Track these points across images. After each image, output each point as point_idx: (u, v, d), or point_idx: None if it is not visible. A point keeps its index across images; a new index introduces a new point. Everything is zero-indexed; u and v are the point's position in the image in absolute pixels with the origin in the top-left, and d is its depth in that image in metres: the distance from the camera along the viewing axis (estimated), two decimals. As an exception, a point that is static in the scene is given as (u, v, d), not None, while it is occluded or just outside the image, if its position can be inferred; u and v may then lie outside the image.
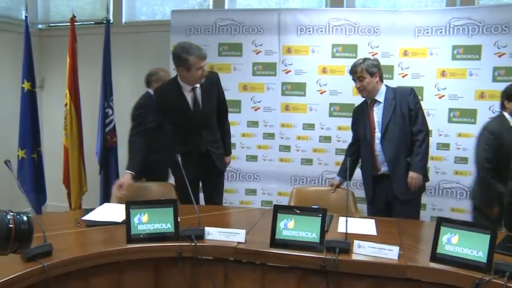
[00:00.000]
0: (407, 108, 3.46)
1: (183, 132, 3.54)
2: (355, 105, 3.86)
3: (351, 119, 4.37)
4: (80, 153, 5.07)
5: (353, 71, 3.57)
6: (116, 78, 5.16)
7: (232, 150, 4.07)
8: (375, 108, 3.57)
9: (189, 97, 3.46)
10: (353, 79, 3.59)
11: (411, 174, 3.42)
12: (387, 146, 3.47)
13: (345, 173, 3.25)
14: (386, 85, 3.59)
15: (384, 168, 3.54)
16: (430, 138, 3.59)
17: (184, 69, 3.32)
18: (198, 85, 3.45)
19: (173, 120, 3.56)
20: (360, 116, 3.70)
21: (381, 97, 3.56)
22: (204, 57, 3.35)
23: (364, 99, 3.67)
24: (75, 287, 2.36)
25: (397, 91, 3.57)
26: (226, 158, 3.84)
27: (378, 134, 3.53)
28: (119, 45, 5.31)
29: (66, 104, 4.98)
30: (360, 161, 3.75)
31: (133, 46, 5.50)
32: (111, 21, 5.23)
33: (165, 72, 4.27)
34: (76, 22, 5.08)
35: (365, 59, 3.57)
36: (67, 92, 4.96)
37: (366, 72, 3.49)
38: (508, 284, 2.05)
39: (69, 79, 4.95)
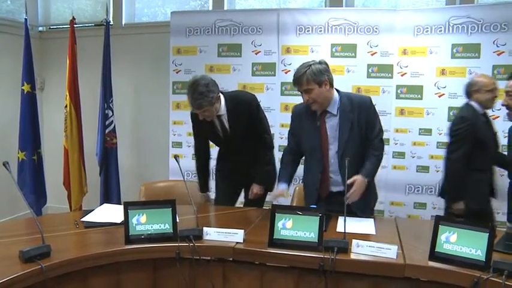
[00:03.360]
0: (365, 123, 3.03)
1: (221, 151, 3.67)
2: (298, 104, 3.26)
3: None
4: (80, 155, 5.08)
5: (297, 83, 2.96)
6: (116, 80, 5.16)
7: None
8: (326, 120, 3.06)
9: (216, 122, 3.38)
10: (299, 90, 3.01)
11: (358, 178, 2.95)
12: (347, 167, 2.67)
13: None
14: (338, 91, 3.08)
15: (336, 188, 3.11)
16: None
17: None
18: (222, 111, 3.31)
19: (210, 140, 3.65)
20: (305, 122, 3.14)
21: (334, 108, 3.03)
22: (195, 107, 3.18)
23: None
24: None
25: (354, 101, 3.04)
26: (255, 186, 3.57)
27: (332, 152, 3.06)
28: (119, 47, 5.31)
29: (66, 106, 5.00)
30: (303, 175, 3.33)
31: (133, 47, 5.51)
32: (111, 23, 5.24)
33: (486, 79, 3.53)
34: (76, 24, 5.09)
35: (309, 65, 2.93)
36: (67, 93, 4.97)
37: (313, 83, 2.90)
38: (506, 282, 2.05)
39: (69, 81, 4.96)
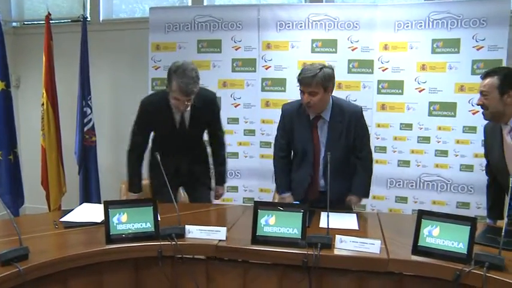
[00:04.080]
0: (353, 133, 3.07)
1: (164, 146, 3.31)
2: (287, 103, 3.35)
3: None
4: (58, 154, 4.99)
5: (305, 83, 2.90)
6: (94, 77, 5.08)
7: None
8: (319, 125, 3.08)
9: (177, 116, 3.23)
10: (301, 90, 2.97)
11: (353, 197, 3.16)
12: (331, 175, 2.65)
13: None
14: (332, 97, 3.08)
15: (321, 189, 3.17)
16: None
17: (167, 88, 3.08)
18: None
19: (157, 133, 3.42)
20: (297, 124, 3.14)
21: (327, 114, 3.05)
22: (184, 93, 2.98)
23: (298, 98, 3.10)
24: (54, 290, 2.32)
25: (346, 111, 3.05)
26: (219, 188, 3.66)
27: (322, 157, 3.12)
28: (97, 44, 5.23)
29: (42, 104, 4.90)
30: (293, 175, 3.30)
31: (111, 44, 5.43)
32: (88, 19, 5.15)
33: None
34: (52, 20, 4.99)
35: (321, 68, 2.90)
36: (44, 91, 4.87)
37: (321, 87, 2.89)
38: (487, 274, 2.07)
39: (45, 78, 4.86)
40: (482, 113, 2.84)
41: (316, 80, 2.85)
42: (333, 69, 2.98)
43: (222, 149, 3.63)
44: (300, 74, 2.95)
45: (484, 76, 2.80)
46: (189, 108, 3.18)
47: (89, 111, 5.00)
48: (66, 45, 5.30)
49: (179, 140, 3.31)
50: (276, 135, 3.33)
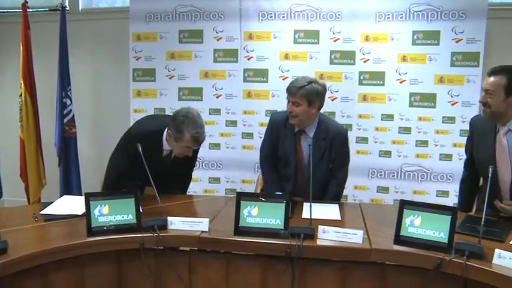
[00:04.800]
0: (334, 153, 3.15)
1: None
2: (276, 113, 3.50)
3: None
4: (37, 145, 4.91)
5: (291, 92, 3.02)
6: (74, 67, 5.00)
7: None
8: (302, 139, 3.17)
9: (165, 158, 3.14)
10: (287, 98, 3.08)
11: None
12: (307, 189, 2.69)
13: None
14: (320, 115, 3.20)
15: None
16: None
17: (173, 136, 2.92)
18: None
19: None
20: (282, 134, 3.22)
21: (311, 131, 3.14)
22: (198, 143, 2.97)
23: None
24: (33, 284, 2.29)
25: (330, 130, 3.14)
26: None
27: (303, 171, 3.19)
28: (76, 33, 5.14)
29: (20, 95, 4.81)
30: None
31: (91, 34, 5.33)
32: (67, 8, 5.05)
33: None
34: (29, 8, 4.88)
35: (311, 82, 3.02)
36: (21, 82, 4.78)
37: (305, 99, 2.99)
38: (467, 263, 2.11)
39: (23, 69, 4.77)
40: (483, 110, 2.76)
41: (302, 92, 2.96)
42: (324, 87, 3.08)
43: (192, 171, 3.58)
44: (288, 85, 3.06)
45: (491, 73, 2.72)
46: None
47: (68, 102, 4.92)
48: (45, 34, 5.20)
49: (158, 174, 2.93)
50: (263, 140, 3.40)
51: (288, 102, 3.07)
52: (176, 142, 2.94)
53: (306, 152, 3.14)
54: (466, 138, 3.16)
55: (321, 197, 3.19)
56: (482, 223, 2.24)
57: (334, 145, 3.13)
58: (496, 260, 2.11)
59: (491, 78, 2.69)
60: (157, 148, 3.08)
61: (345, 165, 3.26)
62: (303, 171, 3.18)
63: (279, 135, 3.23)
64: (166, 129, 3.01)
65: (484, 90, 2.73)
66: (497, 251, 2.12)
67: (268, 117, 3.45)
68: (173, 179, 3.36)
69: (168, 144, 3.05)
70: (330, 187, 3.23)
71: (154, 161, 2.91)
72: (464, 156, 3.16)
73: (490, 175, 2.46)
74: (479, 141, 2.90)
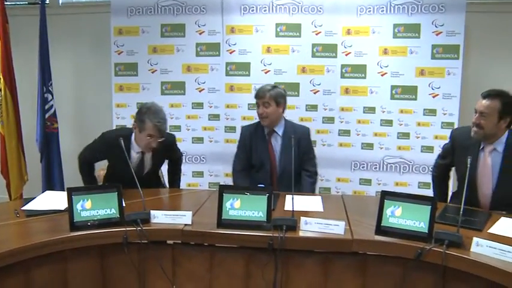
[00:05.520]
0: (302, 149, 3.49)
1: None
2: (245, 125, 3.74)
3: (295, 97, 4.43)
4: (18, 141, 4.84)
5: (260, 96, 3.46)
6: (55, 62, 4.94)
7: (177, 133, 4.05)
8: (272, 139, 3.54)
9: (134, 159, 3.25)
10: (257, 103, 3.48)
11: None
12: (284, 186, 3.38)
13: None
14: (284, 118, 3.58)
15: None
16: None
17: (138, 128, 3.11)
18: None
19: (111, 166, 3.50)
20: (255, 141, 3.57)
21: (280, 130, 3.53)
22: (159, 131, 3.09)
23: (257, 120, 3.59)
24: (15, 280, 2.28)
25: (296, 128, 3.55)
26: None
27: (277, 168, 3.53)
28: (57, 28, 5.08)
29: (0, 90, 4.74)
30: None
31: (72, 28, 5.28)
32: (46, 2, 4.98)
33: None
34: (7, 2, 4.80)
35: (274, 87, 3.50)
36: (1, 76, 4.70)
37: (273, 101, 3.43)
38: (446, 251, 2.15)
39: (2, 64, 4.68)
40: (475, 131, 2.87)
41: (270, 94, 3.42)
42: (285, 91, 3.60)
43: (180, 165, 3.77)
44: (256, 91, 3.52)
45: (486, 96, 2.85)
46: (149, 156, 3.33)
47: (50, 97, 4.86)
48: (24, 29, 5.13)
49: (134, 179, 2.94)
50: (236, 153, 3.69)
51: (258, 106, 3.47)
52: (140, 133, 3.11)
53: (277, 150, 3.53)
54: (447, 130, 3.57)
55: (296, 188, 3.28)
56: (461, 213, 2.28)
57: (301, 141, 3.47)
58: (474, 248, 2.16)
59: (487, 102, 2.82)
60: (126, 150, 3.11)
61: (313, 158, 3.62)
62: (276, 166, 3.53)
63: (251, 142, 3.58)
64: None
65: (478, 112, 2.85)
66: (475, 239, 2.17)
67: (251, 111, 3.76)
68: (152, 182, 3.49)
69: (135, 141, 3.21)
70: (304, 181, 3.53)
71: (124, 165, 2.94)
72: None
73: (468, 166, 2.56)
74: (461, 155, 2.99)
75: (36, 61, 4.83)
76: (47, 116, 4.84)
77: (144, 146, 3.17)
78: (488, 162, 2.95)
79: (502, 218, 2.68)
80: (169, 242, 2.56)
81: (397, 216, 2.35)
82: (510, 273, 1.96)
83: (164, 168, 3.76)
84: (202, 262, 2.52)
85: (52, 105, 4.88)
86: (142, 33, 4.67)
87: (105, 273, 2.56)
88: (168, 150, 3.46)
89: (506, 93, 2.85)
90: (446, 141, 3.28)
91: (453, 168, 3.25)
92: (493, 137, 2.90)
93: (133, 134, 3.22)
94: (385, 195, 2.39)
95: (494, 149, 2.92)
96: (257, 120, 3.61)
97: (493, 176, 2.94)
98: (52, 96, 4.87)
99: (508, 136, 2.90)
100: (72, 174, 4.96)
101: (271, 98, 3.42)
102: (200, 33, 4.60)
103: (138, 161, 3.28)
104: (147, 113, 3.08)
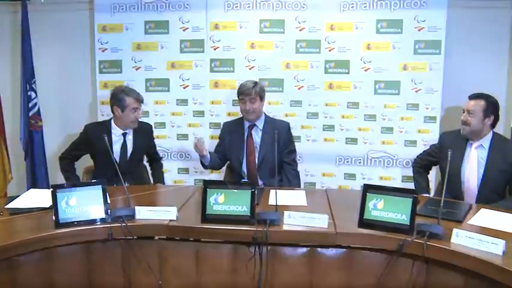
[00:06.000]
0: (282, 142, 3.62)
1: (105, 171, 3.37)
2: (227, 121, 4.04)
3: (279, 93, 4.45)
4: (1, 140, 4.81)
5: (246, 93, 3.64)
6: (38, 60, 4.90)
7: (162, 130, 4.06)
8: (253, 132, 3.74)
9: (117, 144, 3.61)
10: (241, 99, 3.68)
11: None
12: (263, 175, 3.67)
13: None
14: (264, 113, 3.83)
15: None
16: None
17: (119, 109, 3.53)
18: (130, 131, 3.66)
19: (95, 159, 3.74)
20: (234, 134, 3.80)
21: (261, 124, 3.75)
22: (140, 100, 3.59)
23: (238, 117, 3.89)
24: (0, 278, 2.28)
25: (276, 124, 3.73)
26: None
27: (256, 159, 3.71)
28: (39, 25, 5.02)
29: (-18, 88, 4.71)
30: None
31: (55, 25, 5.21)
32: (28, -1, 4.94)
33: None
34: (-13, -1, 4.77)
35: (256, 83, 3.71)
36: (-18, 74, 4.67)
37: (258, 95, 3.65)
38: (427, 243, 2.19)
39: (-17, 61, 4.66)
40: (463, 128, 3.21)
41: (255, 90, 3.63)
42: (264, 87, 3.86)
43: (160, 161, 4.10)
44: (239, 88, 3.71)
45: (472, 98, 3.24)
46: (130, 136, 3.70)
47: (33, 95, 4.82)
48: (6, 26, 5.08)
49: (118, 168, 2.97)
50: (215, 148, 3.94)
51: (243, 102, 3.66)
52: (123, 112, 3.55)
53: (257, 142, 3.71)
54: (429, 124, 3.95)
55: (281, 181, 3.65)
56: (441, 205, 2.33)
57: (281, 133, 3.57)
58: (454, 239, 2.20)
59: (472, 102, 3.20)
60: (107, 132, 3.52)
61: (294, 151, 3.84)
62: (255, 157, 3.70)
63: (230, 138, 3.81)
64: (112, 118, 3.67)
65: (466, 111, 3.20)
66: (455, 230, 2.22)
67: (236, 107, 3.88)
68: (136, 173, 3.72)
69: (117, 124, 3.64)
70: (289, 174, 3.73)
71: (108, 153, 3.05)
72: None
73: (449, 158, 2.65)
74: (446, 153, 3.05)
75: (18, 59, 4.79)
76: (30, 114, 4.80)
77: (132, 120, 3.58)
78: (474, 157, 3.19)
79: (482, 210, 2.76)
80: (155, 237, 2.57)
81: (379, 209, 2.39)
82: (488, 262, 2.01)
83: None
84: (188, 257, 2.54)
85: (36, 103, 4.84)
86: (126, 30, 4.65)
87: (90, 270, 2.56)
88: (148, 138, 3.87)
89: (490, 95, 3.25)
90: (429, 135, 3.40)
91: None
92: (479, 134, 3.20)
93: (111, 120, 3.66)
94: (368, 188, 2.43)
95: (480, 145, 3.22)
96: (241, 116, 3.83)
97: (478, 171, 3.17)
98: (36, 94, 4.83)
99: (493, 135, 3.23)
100: (57, 173, 4.95)
101: (257, 93, 3.62)
102: (184, 30, 4.59)
103: (121, 143, 3.62)
104: (122, 93, 3.55)
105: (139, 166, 3.87)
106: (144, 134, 3.79)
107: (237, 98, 3.80)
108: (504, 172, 3.12)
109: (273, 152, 3.34)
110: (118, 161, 3.49)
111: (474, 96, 3.24)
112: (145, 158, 4.05)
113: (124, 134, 3.64)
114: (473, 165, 3.19)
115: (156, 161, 4.05)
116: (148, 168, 4.10)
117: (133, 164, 3.68)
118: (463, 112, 3.23)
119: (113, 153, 3.26)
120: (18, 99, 4.83)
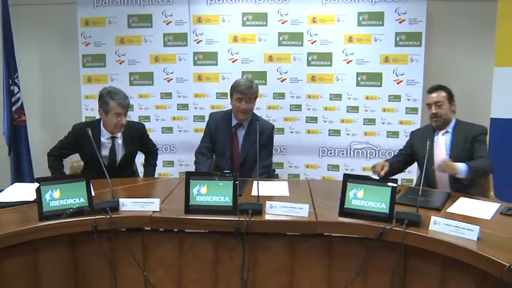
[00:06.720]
0: (262, 141, 3.51)
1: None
2: (214, 112, 3.92)
3: (262, 86, 4.48)
4: (-16, 135, 4.80)
5: (245, 92, 3.52)
6: (21, 54, 4.88)
7: (147, 123, 4.06)
8: (238, 131, 3.67)
9: (106, 147, 3.44)
10: (236, 97, 3.54)
11: None
12: (245, 173, 3.53)
13: None
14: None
15: None
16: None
17: (103, 112, 3.33)
18: (119, 135, 3.45)
19: (83, 159, 3.59)
20: (221, 129, 3.69)
21: (246, 123, 3.67)
22: (124, 107, 3.33)
23: (225, 111, 3.79)
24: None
25: (261, 123, 3.57)
26: None
27: (239, 156, 3.64)
28: (21, 19, 5.00)
29: (-36, 84, 4.67)
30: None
31: (37, 19, 5.19)
32: (9, -8, 4.90)
33: None
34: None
35: (253, 82, 3.63)
36: (-37, 69, 4.64)
37: (255, 96, 3.60)
38: (406, 230, 2.24)
39: (-36, 55, 4.63)
40: (435, 120, 3.29)
41: (255, 90, 3.57)
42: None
43: (155, 156, 3.88)
44: (239, 86, 3.53)
45: (433, 91, 3.34)
46: (120, 139, 3.48)
47: (16, 89, 4.81)
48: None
49: (107, 170, 2.94)
50: (202, 137, 3.81)
51: (240, 101, 3.51)
52: (106, 115, 3.33)
53: (240, 139, 3.64)
54: (411, 115, 4.15)
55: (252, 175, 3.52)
56: (420, 193, 2.39)
57: (263, 136, 3.54)
58: (432, 227, 2.25)
59: (435, 94, 3.31)
60: (96, 140, 3.23)
61: (270, 155, 3.73)
62: (239, 154, 3.63)
63: (217, 129, 3.69)
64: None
65: (433, 103, 3.29)
66: (433, 218, 2.27)
67: (220, 100, 3.94)
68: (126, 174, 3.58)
69: (105, 127, 3.41)
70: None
71: (96, 155, 2.99)
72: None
73: (427, 148, 2.77)
74: (420, 144, 3.34)
75: (0, 53, 4.76)
76: (13, 108, 4.79)
77: (114, 126, 3.36)
78: (442, 143, 3.30)
79: (461, 198, 2.82)
80: (140, 229, 2.59)
81: (359, 198, 2.43)
82: (464, 249, 2.06)
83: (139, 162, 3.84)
84: (172, 248, 2.56)
85: (19, 97, 4.83)
86: (109, 24, 4.65)
87: (75, 262, 2.56)
88: (140, 139, 3.61)
89: (444, 86, 3.37)
90: (411, 126, 3.50)
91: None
92: (448, 122, 3.32)
93: (101, 122, 3.42)
94: (348, 177, 2.48)
95: (446, 131, 3.32)
96: (226, 109, 3.77)
97: (446, 155, 3.25)
98: (19, 88, 4.81)
99: (455, 120, 3.34)
100: (41, 167, 4.94)
101: (256, 94, 3.59)
102: (167, 24, 4.60)
103: (110, 147, 3.43)
104: (108, 95, 3.32)
105: (129, 167, 3.72)
106: (134, 137, 3.56)
107: (221, 92, 3.83)
108: (467, 151, 3.21)
109: (254, 153, 3.34)
110: (106, 164, 3.32)
111: (434, 89, 3.35)
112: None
113: (113, 138, 3.45)
114: (442, 151, 3.28)
115: (149, 154, 3.83)
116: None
117: (123, 167, 3.56)
118: (429, 107, 3.32)
119: (101, 157, 3.16)
120: (0, 94, 4.80)
